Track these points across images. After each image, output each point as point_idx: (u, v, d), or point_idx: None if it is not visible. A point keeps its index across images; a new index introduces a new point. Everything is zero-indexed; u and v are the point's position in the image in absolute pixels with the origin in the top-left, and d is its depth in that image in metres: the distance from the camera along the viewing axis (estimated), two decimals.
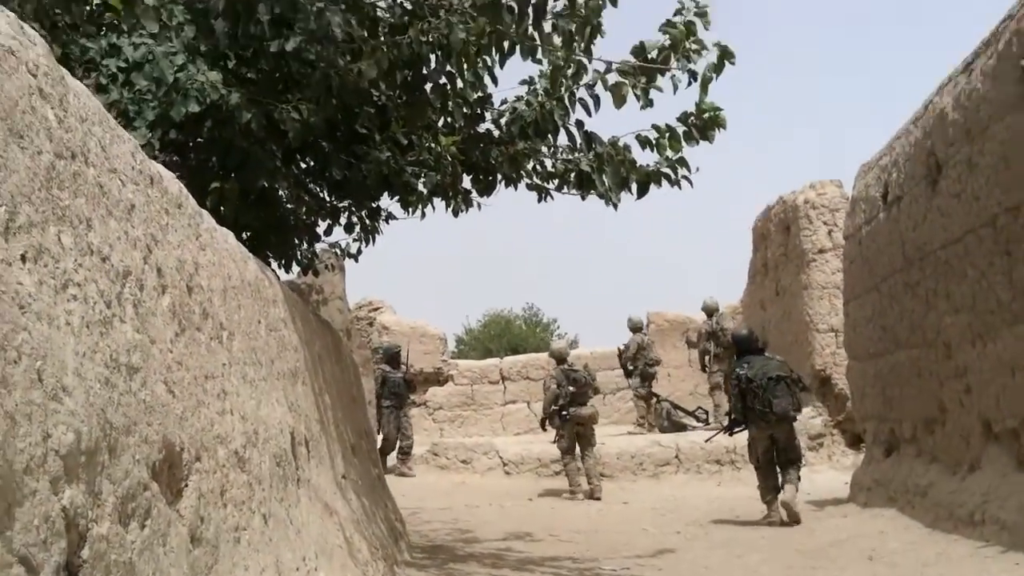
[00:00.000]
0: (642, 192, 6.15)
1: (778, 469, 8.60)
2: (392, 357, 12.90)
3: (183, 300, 2.54)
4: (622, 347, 14.51)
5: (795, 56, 69.77)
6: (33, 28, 3.96)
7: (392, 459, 12.57)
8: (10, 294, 1.54)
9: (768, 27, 70.01)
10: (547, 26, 5.23)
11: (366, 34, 4.97)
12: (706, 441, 11.15)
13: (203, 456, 2.48)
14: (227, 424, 2.77)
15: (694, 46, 5.43)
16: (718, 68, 5.41)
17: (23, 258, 1.62)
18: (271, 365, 3.55)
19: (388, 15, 5.19)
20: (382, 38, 5.08)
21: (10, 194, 1.60)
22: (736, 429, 8.96)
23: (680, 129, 5.86)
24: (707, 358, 13.76)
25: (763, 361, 8.68)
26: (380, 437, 12.09)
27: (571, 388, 10.91)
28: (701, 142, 5.93)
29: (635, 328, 14.59)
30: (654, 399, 14.16)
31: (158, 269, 2.37)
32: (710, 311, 13.92)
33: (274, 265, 5.60)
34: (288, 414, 3.66)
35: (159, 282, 2.37)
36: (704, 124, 5.86)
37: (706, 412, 14.23)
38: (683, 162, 6.02)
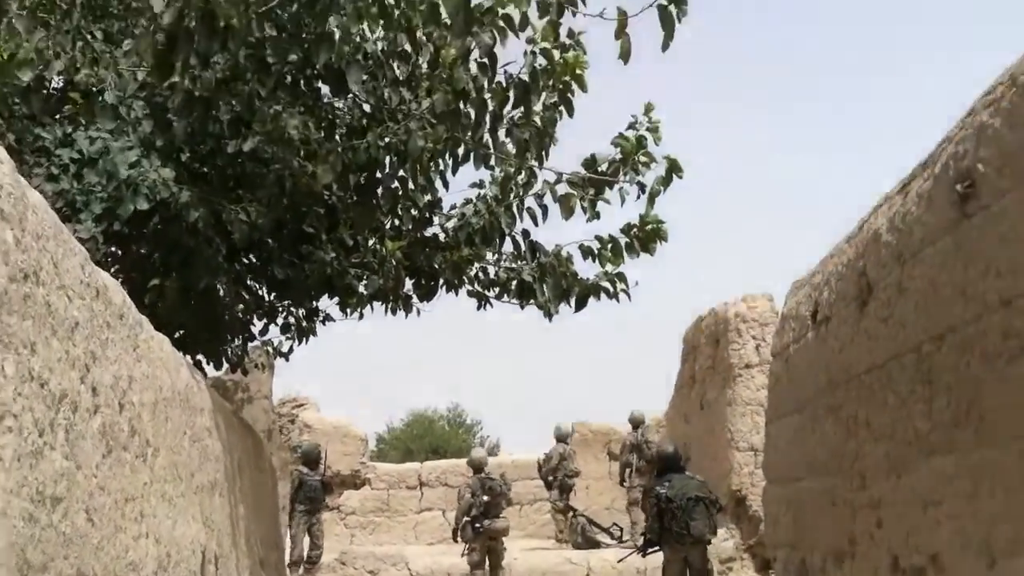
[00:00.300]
0: (580, 305, 6.18)
1: None
2: (311, 458, 12.23)
3: (113, 419, 2.45)
4: (542, 457, 14.26)
5: (734, 165, 72.47)
6: None
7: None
8: None
9: (715, 133, 72.77)
10: (501, 134, 5.29)
11: (323, 136, 4.97)
12: (619, 561, 10.98)
13: None
14: (141, 549, 2.64)
15: (643, 159, 5.52)
16: (666, 181, 5.48)
17: None
18: (191, 479, 3.42)
19: (347, 117, 5.21)
20: (338, 140, 5.08)
21: None
22: (650, 550, 8.83)
23: (623, 241, 5.90)
24: (628, 471, 13.64)
25: (683, 480, 8.66)
26: (288, 544, 11.56)
27: (485, 498, 10.68)
28: (642, 254, 5.99)
29: (561, 438, 14.34)
30: (570, 512, 13.95)
31: (93, 388, 2.29)
32: (636, 423, 13.85)
33: (203, 361, 5.43)
34: (202, 531, 3.52)
35: (93, 402, 2.28)
36: (646, 236, 5.91)
37: (621, 529, 14.04)
38: (622, 277, 6.06)
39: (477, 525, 10.57)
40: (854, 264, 7.74)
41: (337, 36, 4.39)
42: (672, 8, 4.07)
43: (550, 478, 13.97)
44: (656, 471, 9.35)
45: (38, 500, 1.86)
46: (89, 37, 4.25)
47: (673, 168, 5.47)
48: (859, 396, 7.39)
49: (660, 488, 8.57)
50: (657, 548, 8.65)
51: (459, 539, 10.97)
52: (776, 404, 9.90)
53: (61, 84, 4.38)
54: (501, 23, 4.36)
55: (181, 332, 4.79)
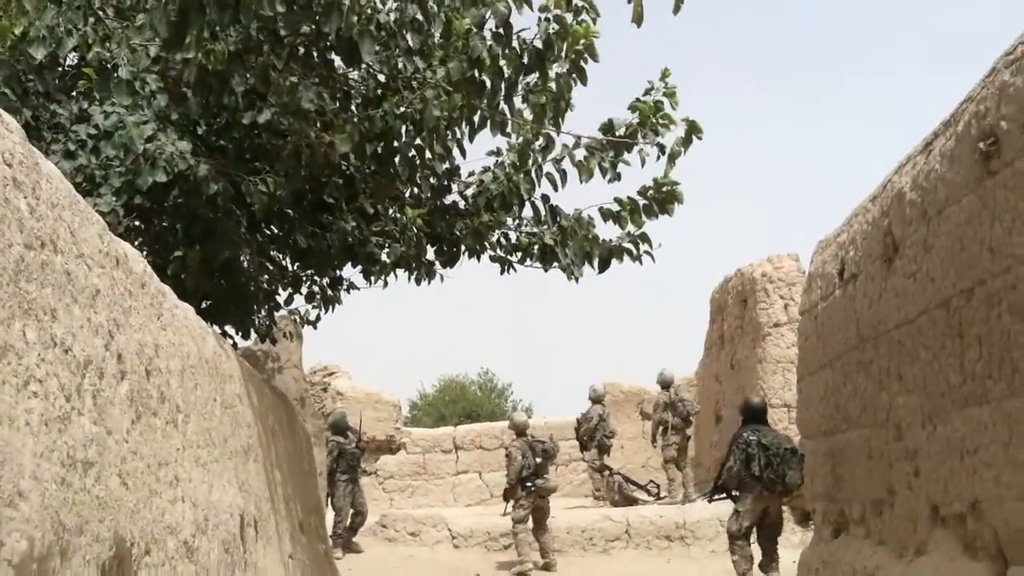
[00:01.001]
0: (603, 267, 6.19)
1: (754, 544, 8.46)
2: (341, 427, 12.33)
3: (141, 386, 2.48)
4: (581, 417, 14.35)
5: (756, 127, 71.85)
6: (5, 94, 3.94)
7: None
8: None
9: (733, 95, 72.10)
10: (518, 101, 5.29)
11: (338, 107, 4.98)
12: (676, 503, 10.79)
13: (153, 549, 2.41)
14: (178, 513, 2.69)
15: (662, 121, 5.52)
16: (686, 142, 5.49)
17: None
18: (224, 444, 3.47)
19: (362, 88, 5.21)
20: (354, 111, 5.09)
21: None
22: (717, 496, 8.76)
23: (641, 203, 5.91)
24: (660, 429, 13.70)
25: (772, 431, 8.62)
26: (332, 512, 11.67)
27: (537, 459, 10.86)
28: (660, 216, 5.99)
29: (597, 399, 14.44)
30: (606, 472, 14.06)
31: (118, 355, 2.32)
32: (666, 383, 13.89)
33: (231, 332, 5.51)
34: (238, 495, 3.58)
35: (118, 369, 2.31)
36: (663, 198, 5.92)
37: (658, 486, 14.15)
38: (645, 238, 6.07)
39: (529, 484, 10.75)
40: (879, 222, 7.69)
41: (346, 5, 4.38)
42: None
43: (585, 438, 14.06)
44: (743, 420, 9.20)
45: (69, 464, 1.90)
46: (101, 13, 4.28)
47: (692, 129, 5.46)
48: (890, 351, 7.37)
49: (750, 435, 8.44)
50: (724, 496, 8.58)
51: (506, 499, 11.13)
52: (807, 361, 9.90)
53: (75, 60, 4.43)
54: None
55: (207, 303, 4.86)
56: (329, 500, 11.67)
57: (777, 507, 8.43)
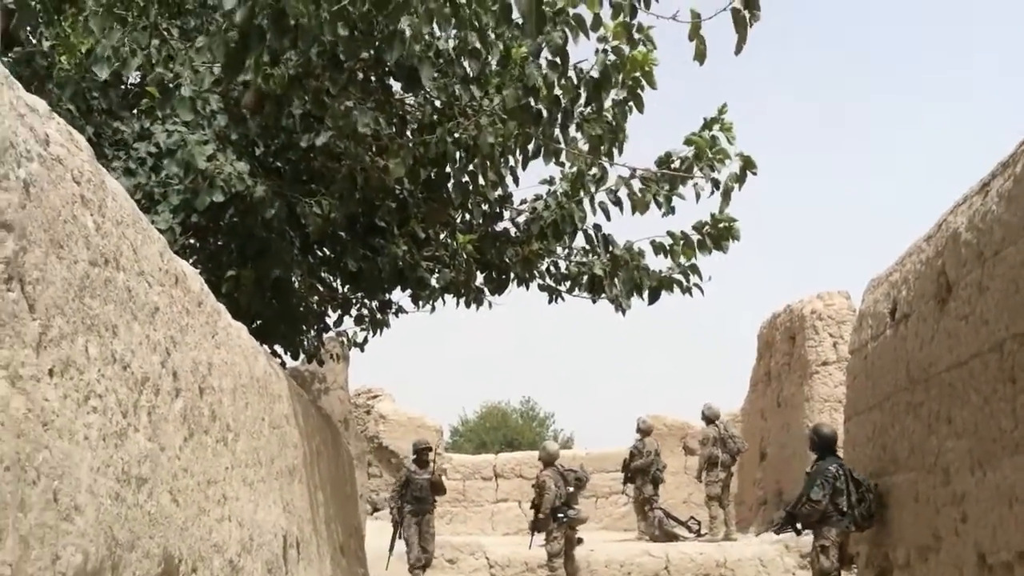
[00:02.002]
0: (653, 298, 6.15)
1: None
2: (421, 456, 11.39)
3: (195, 403, 2.50)
4: (634, 449, 13.95)
5: (809, 159, 71.26)
6: (70, 111, 4.04)
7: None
8: (36, 411, 1.51)
9: (788, 127, 71.70)
10: (572, 130, 5.29)
11: (394, 131, 5.03)
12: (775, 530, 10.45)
13: (199, 567, 2.41)
14: (224, 531, 2.70)
15: (717, 156, 5.49)
16: (740, 178, 5.46)
17: (51, 372, 1.59)
18: (271, 464, 3.49)
19: (418, 114, 5.26)
20: (409, 136, 5.13)
21: (45, 307, 1.58)
22: (788, 528, 8.53)
23: (694, 238, 5.87)
24: (707, 465, 13.37)
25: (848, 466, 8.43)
26: (404, 548, 10.95)
27: (570, 489, 10.74)
28: (714, 252, 5.94)
29: (647, 431, 14.09)
30: (647, 506, 13.81)
31: (174, 372, 2.34)
32: (712, 417, 13.56)
33: (280, 352, 5.55)
34: (282, 515, 3.59)
35: (174, 386, 2.33)
36: (719, 234, 5.88)
37: (699, 522, 13.88)
38: (695, 269, 6.03)
39: (560, 515, 10.62)
40: (933, 262, 7.54)
41: (408, 35, 4.43)
42: (745, 12, 4.03)
43: (636, 472, 13.67)
44: (818, 451, 8.94)
45: (124, 480, 1.91)
46: (165, 34, 4.37)
47: (747, 165, 5.44)
48: (940, 393, 7.19)
49: (838, 468, 8.20)
50: (792, 529, 8.36)
51: (537, 529, 10.99)
52: (855, 400, 9.70)
53: (137, 79, 4.52)
54: (572, 23, 4.39)
55: (259, 322, 4.90)
56: (399, 531, 11.10)
57: (847, 541, 8.21)
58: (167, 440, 2.23)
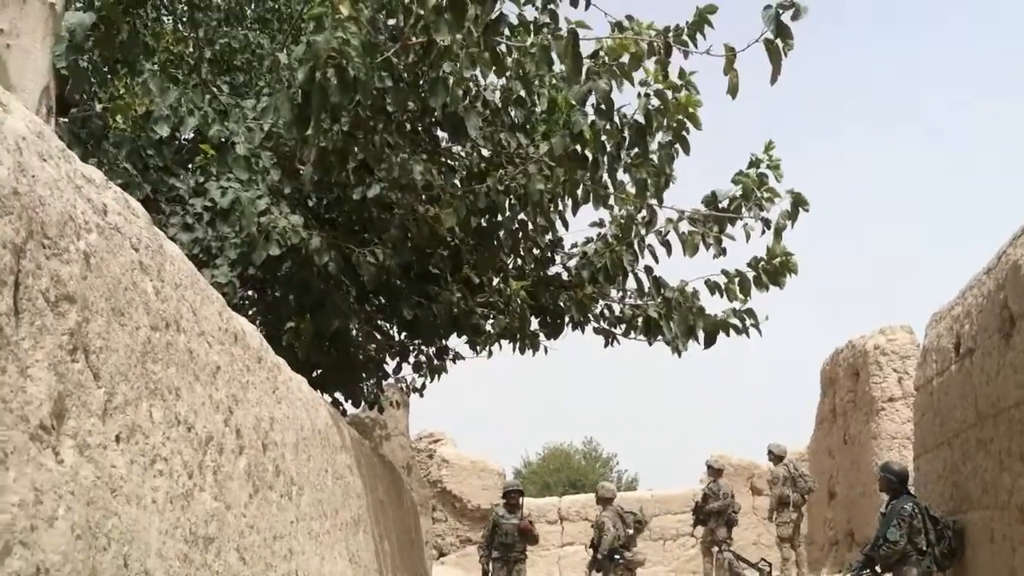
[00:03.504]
0: (709, 343, 6.05)
1: None
2: (511, 500, 10.86)
3: (258, 459, 2.53)
4: (708, 491, 13.56)
5: (866, 191, 70.28)
6: (127, 169, 4.16)
7: None
8: (104, 478, 1.53)
9: (846, 160, 70.85)
10: (620, 174, 5.29)
11: (444, 181, 5.09)
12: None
13: None
14: None
15: (766, 194, 5.44)
16: (792, 215, 5.39)
17: (117, 439, 1.62)
18: (335, 516, 3.50)
19: (467, 163, 5.32)
20: (458, 184, 5.19)
21: (109, 375, 1.62)
22: (867, 570, 8.26)
23: (750, 275, 5.78)
24: (777, 505, 12.99)
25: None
26: None
27: (630, 531, 10.57)
28: (771, 288, 5.85)
29: (719, 472, 13.75)
30: (715, 548, 13.46)
31: (237, 430, 2.37)
32: (780, 456, 13.18)
33: (341, 400, 5.60)
34: (349, 567, 3.59)
35: (237, 444, 2.36)
36: (775, 270, 5.79)
37: (769, 564, 13.48)
38: (751, 314, 5.93)
39: (617, 556, 10.43)
40: (995, 296, 7.36)
41: (451, 81, 4.50)
42: (778, 42, 4.02)
43: (710, 514, 13.32)
44: (892, 489, 8.70)
45: (191, 540, 1.94)
46: (216, 90, 4.50)
47: (798, 202, 5.38)
48: (1011, 429, 6.97)
49: (913, 507, 7.98)
50: (872, 570, 8.12)
51: (596, 569, 10.81)
52: (923, 438, 9.43)
53: (191, 136, 4.66)
54: (616, 70, 4.41)
55: (318, 372, 4.95)
56: None
57: None
58: (232, 498, 2.26)
